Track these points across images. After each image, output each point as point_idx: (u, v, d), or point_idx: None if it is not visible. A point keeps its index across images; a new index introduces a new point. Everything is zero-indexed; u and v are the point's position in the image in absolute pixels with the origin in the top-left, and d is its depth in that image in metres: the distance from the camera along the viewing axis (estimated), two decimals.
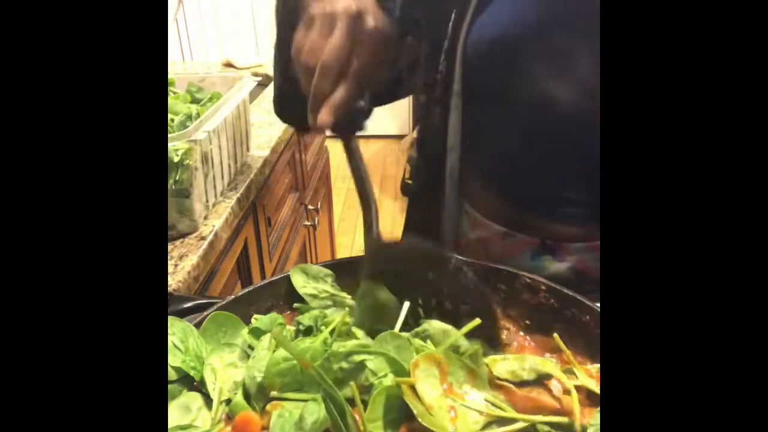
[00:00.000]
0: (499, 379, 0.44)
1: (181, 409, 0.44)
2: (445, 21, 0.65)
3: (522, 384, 0.45)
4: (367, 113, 0.57)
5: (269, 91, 1.51)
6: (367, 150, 3.60)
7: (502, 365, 0.45)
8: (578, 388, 0.44)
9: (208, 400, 0.45)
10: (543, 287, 0.52)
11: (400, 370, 0.43)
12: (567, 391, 0.43)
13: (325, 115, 0.49)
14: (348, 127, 0.53)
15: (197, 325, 0.49)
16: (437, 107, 0.68)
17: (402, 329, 0.48)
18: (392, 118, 3.73)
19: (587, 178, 0.63)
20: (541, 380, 0.45)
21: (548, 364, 0.46)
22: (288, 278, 0.55)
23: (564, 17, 0.59)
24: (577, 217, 0.66)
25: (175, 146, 0.86)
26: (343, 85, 0.49)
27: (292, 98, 0.56)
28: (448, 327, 0.47)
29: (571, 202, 0.65)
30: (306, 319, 0.50)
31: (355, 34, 0.49)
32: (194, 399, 0.45)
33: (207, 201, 0.98)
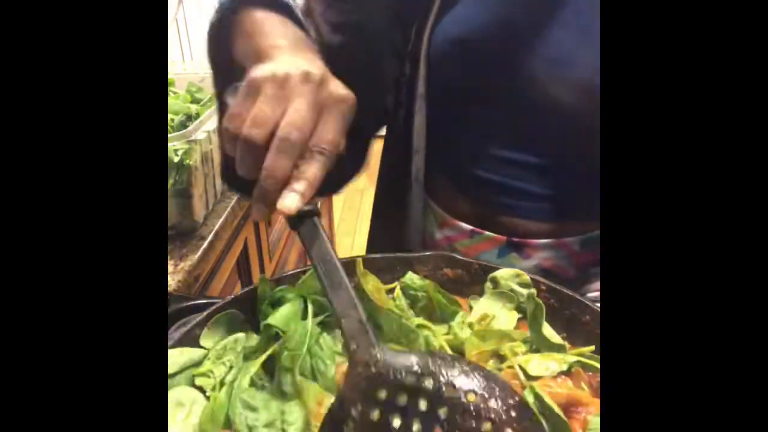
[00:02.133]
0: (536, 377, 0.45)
1: (175, 403, 0.44)
2: (403, 26, 0.64)
3: (556, 376, 0.45)
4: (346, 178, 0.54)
5: None
6: None
7: (533, 364, 0.45)
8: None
9: (203, 394, 0.45)
10: (543, 287, 0.52)
11: None
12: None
13: (295, 201, 0.40)
14: (313, 212, 0.44)
15: (198, 325, 0.49)
16: (400, 110, 0.68)
17: None
18: None
19: (550, 172, 0.65)
20: (570, 369, 0.46)
21: (573, 355, 0.47)
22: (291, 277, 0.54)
23: (527, 12, 0.59)
24: (542, 212, 0.67)
25: (175, 146, 0.86)
26: (313, 162, 0.41)
27: None
28: None
29: (535, 196, 0.66)
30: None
31: (321, 102, 0.42)
32: (187, 393, 0.45)
33: (207, 201, 0.98)
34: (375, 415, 0.36)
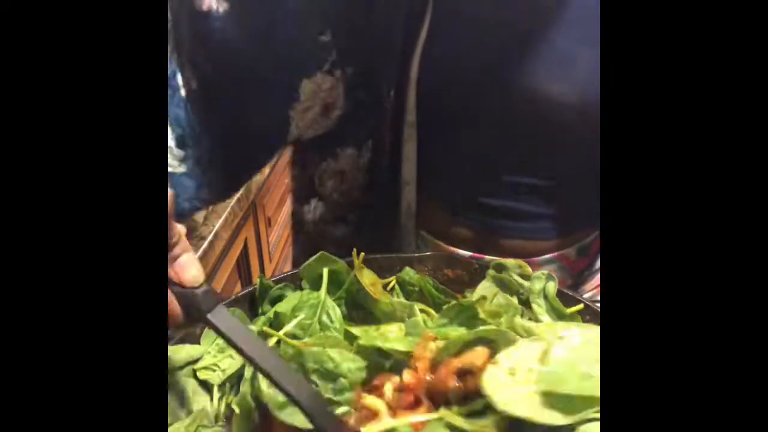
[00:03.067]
0: None
1: (175, 394, 0.44)
2: (388, 52, 0.59)
3: None
4: None
5: None
6: None
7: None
8: None
9: (201, 384, 0.46)
10: None
11: None
12: None
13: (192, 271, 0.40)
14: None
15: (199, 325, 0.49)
16: (386, 141, 0.63)
17: None
18: None
19: (553, 191, 0.63)
20: None
21: (575, 324, 0.47)
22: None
23: (522, 29, 0.57)
24: (545, 231, 0.66)
25: None
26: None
27: None
28: None
29: (538, 217, 0.65)
30: None
31: None
32: (187, 383, 0.46)
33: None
34: None
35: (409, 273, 0.55)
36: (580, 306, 0.50)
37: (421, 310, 0.50)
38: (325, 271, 0.51)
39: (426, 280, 0.54)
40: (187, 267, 0.40)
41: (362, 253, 0.52)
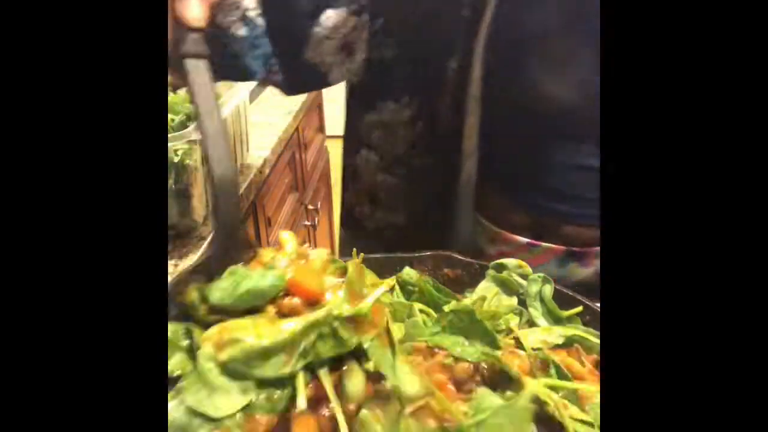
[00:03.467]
0: (533, 348, 0.45)
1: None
2: (452, 23, 0.61)
3: (554, 348, 0.46)
4: None
5: (269, 91, 1.51)
6: None
7: (532, 336, 0.46)
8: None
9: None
10: None
11: None
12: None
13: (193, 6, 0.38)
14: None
15: None
16: (448, 112, 0.64)
17: None
18: None
19: None
20: (571, 343, 0.47)
21: (572, 328, 0.48)
22: None
23: (590, 18, 0.58)
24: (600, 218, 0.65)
25: (175, 146, 0.86)
26: None
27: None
28: None
29: (593, 201, 0.63)
30: None
31: None
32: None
33: (207, 201, 0.98)
34: None
35: (409, 273, 0.54)
36: (579, 308, 0.50)
37: (421, 311, 0.50)
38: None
39: (426, 280, 0.54)
40: (191, 4, 0.37)
41: (362, 254, 0.52)
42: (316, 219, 1.78)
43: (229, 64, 0.61)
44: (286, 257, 0.41)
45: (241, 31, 0.60)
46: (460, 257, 0.56)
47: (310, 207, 1.74)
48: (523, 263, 0.53)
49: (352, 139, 0.75)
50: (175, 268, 0.86)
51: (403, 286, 0.54)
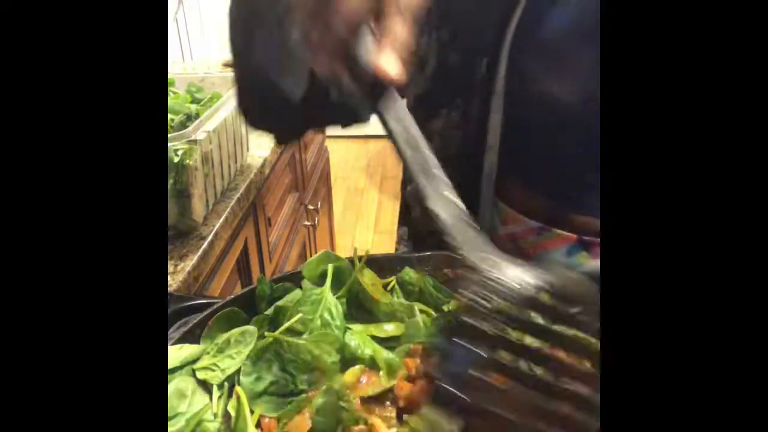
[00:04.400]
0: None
1: (177, 394, 0.44)
2: (484, 19, 0.62)
3: None
4: None
5: None
6: (367, 150, 3.61)
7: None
8: None
9: (199, 383, 0.46)
10: None
11: None
12: None
13: (393, 61, 0.35)
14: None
15: (199, 325, 0.49)
16: (474, 108, 0.66)
17: None
18: None
19: None
20: None
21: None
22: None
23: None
24: None
25: (175, 146, 0.86)
26: (394, 22, 0.36)
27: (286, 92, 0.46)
28: None
29: None
30: None
31: None
32: (187, 383, 0.46)
33: (207, 201, 0.99)
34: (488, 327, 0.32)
35: (409, 273, 0.55)
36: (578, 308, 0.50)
37: (421, 311, 0.50)
38: (330, 267, 0.52)
39: (426, 280, 0.54)
40: (391, 61, 0.35)
41: (356, 251, 0.52)
42: (316, 219, 1.78)
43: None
44: None
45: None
46: (460, 257, 0.56)
47: (310, 207, 1.75)
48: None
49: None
50: (175, 268, 0.86)
51: (403, 285, 0.54)
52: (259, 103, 0.54)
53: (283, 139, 0.75)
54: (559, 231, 0.66)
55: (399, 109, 0.38)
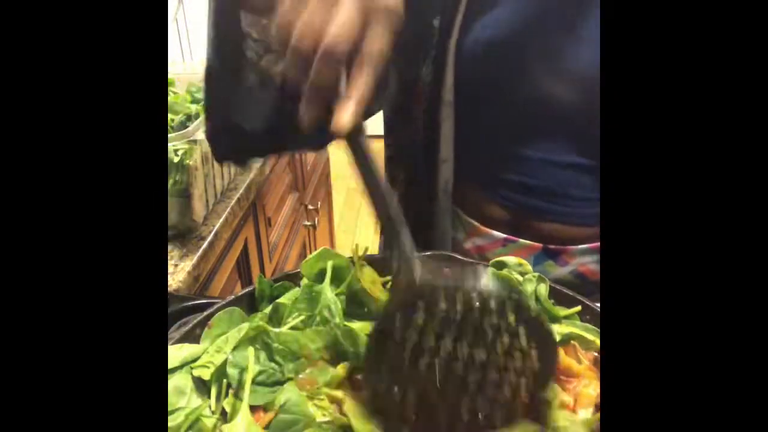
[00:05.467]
0: None
1: (176, 391, 0.44)
2: (424, 29, 0.61)
3: None
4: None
5: None
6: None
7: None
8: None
9: (197, 381, 0.46)
10: None
11: None
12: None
13: (349, 116, 0.40)
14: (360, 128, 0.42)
15: (199, 325, 0.49)
16: (422, 119, 0.65)
17: None
18: None
19: (587, 174, 0.63)
20: (568, 341, 0.47)
21: (569, 326, 0.48)
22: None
23: (562, 15, 0.58)
24: (584, 216, 0.65)
25: (175, 146, 0.86)
26: (362, 74, 0.40)
27: (241, 121, 0.49)
28: None
29: (576, 200, 0.64)
30: None
31: (369, 9, 0.40)
32: (186, 380, 0.46)
33: (207, 201, 0.98)
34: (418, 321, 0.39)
35: None
36: (578, 308, 0.50)
37: None
38: (330, 264, 0.52)
39: None
40: (344, 112, 0.40)
41: (356, 250, 0.52)
42: (316, 219, 1.78)
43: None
44: None
45: None
46: (460, 257, 0.56)
47: (310, 207, 1.75)
48: (524, 261, 0.53)
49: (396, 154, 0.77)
50: (175, 268, 0.86)
51: None
52: (224, 137, 0.56)
53: (245, 164, 0.76)
54: (525, 241, 0.66)
55: (363, 141, 0.42)
